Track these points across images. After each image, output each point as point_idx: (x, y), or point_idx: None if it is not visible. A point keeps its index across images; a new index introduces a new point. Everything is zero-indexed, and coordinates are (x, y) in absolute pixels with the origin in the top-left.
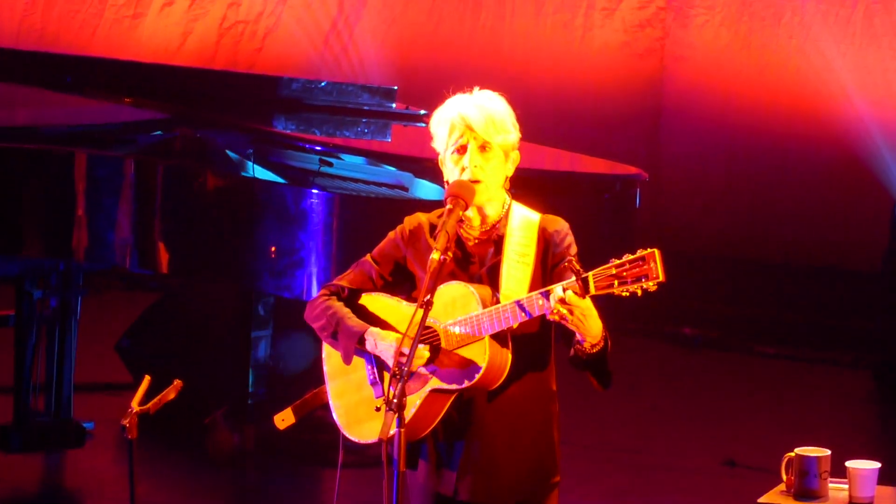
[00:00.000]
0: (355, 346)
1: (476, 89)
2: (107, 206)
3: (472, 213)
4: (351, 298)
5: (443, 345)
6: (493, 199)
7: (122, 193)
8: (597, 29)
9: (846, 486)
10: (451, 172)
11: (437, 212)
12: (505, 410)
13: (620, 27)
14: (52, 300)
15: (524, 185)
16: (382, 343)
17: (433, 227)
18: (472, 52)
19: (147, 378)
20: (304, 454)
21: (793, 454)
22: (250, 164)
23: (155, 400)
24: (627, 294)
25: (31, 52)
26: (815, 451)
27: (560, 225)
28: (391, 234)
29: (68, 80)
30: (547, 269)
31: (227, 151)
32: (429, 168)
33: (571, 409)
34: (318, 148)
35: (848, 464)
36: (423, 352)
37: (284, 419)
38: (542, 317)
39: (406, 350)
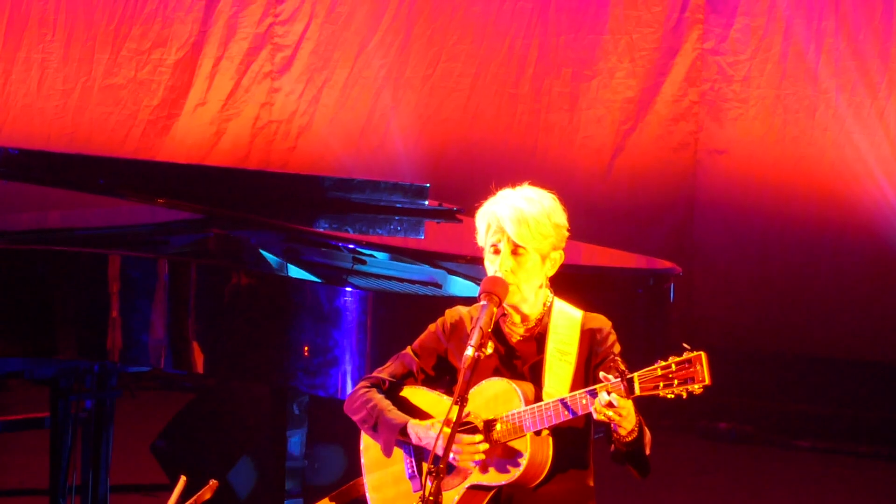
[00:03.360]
0: (396, 438)
1: (525, 184)
2: (141, 307)
3: (510, 310)
4: (391, 391)
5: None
6: (528, 300)
7: (156, 294)
8: (631, 122)
9: None
10: (487, 269)
11: (477, 305)
12: None
13: (654, 121)
14: (87, 401)
15: (557, 280)
16: (426, 435)
17: (473, 321)
18: (508, 146)
19: (183, 478)
20: None
21: None
22: (283, 262)
23: (191, 500)
24: (672, 396)
25: (64, 154)
26: None
27: (602, 323)
28: (432, 327)
29: (101, 182)
30: (590, 368)
31: (261, 250)
32: (462, 265)
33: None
34: (351, 246)
35: None
36: (474, 440)
37: None
38: (587, 414)
39: (441, 448)
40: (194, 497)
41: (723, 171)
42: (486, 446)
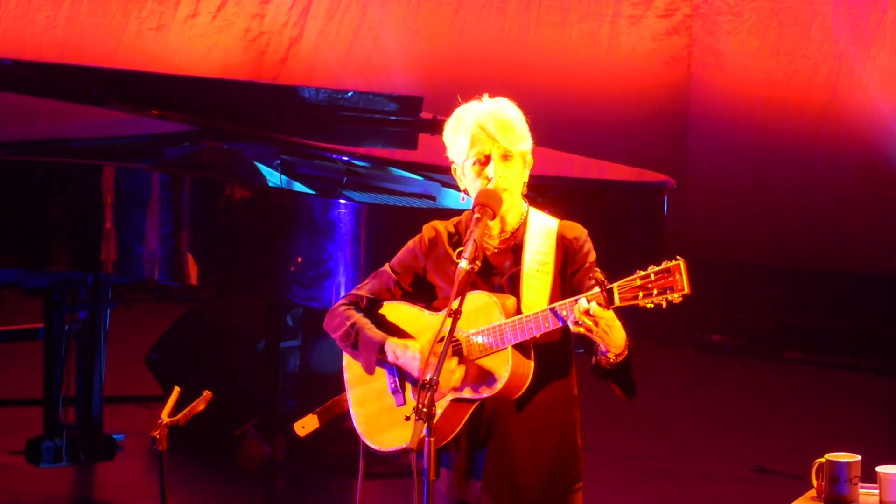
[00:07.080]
0: (376, 357)
1: (486, 97)
2: (135, 219)
3: (493, 221)
4: (370, 308)
5: (465, 354)
6: (514, 206)
7: (149, 206)
8: (623, 37)
9: (877, 492)
10: (471, 183)
11: (454, 220)
12: (527, 418)
13: (647, 35)
14: (82, 313)
15: (551, 193)
16: (403, 354)
17: (451, 236)
18: (498, 60)
19: (177, 389)
20: (333, 465)
21: (823, 460)
22: (278, 175)
23: (185, 411)
24: (652, 306)
25: (57, 64)
26: (845, 456)
27: (578, 231)
28: (410, 244)
29: (95, 93)
30: (566, 277)
31: (255, 163)
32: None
33: (597, 415)
34: (344, 158)
35: (878, 469)
36: (452, 364)
37: (305, 426)
38: (565, 325)
39: (434, 359)
40: (188, 408)
41: (717, 84)
42: (461, 374)
